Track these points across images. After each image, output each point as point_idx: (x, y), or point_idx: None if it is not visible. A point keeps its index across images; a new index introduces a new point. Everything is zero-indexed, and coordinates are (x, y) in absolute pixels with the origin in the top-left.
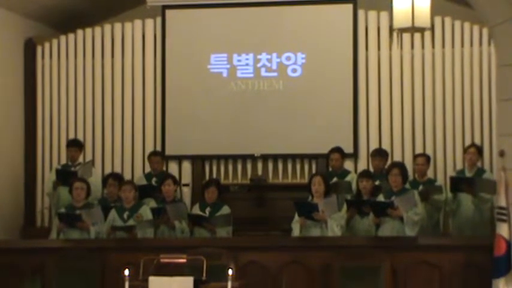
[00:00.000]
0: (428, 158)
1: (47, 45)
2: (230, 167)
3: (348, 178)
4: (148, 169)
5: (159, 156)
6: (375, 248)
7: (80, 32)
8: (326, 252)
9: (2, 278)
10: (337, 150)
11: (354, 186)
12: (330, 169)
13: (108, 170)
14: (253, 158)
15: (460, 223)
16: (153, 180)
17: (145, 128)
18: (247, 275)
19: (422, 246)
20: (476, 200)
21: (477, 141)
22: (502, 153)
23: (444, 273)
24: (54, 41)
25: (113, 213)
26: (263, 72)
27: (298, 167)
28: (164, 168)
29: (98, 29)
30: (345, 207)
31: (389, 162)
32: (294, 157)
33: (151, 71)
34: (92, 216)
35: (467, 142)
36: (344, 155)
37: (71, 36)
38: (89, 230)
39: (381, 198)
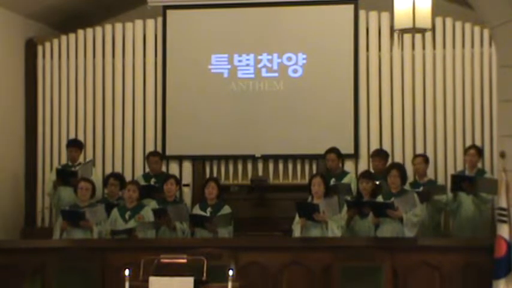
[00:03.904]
0: (426, 158)
1: (47, 45)
2: (231, 168)
3: (346, 179)
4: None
5: (157, 156)
6: (376, 248)
7: (80, 32)
8: (326, 252)
9: (3, 278)
10: (333, 150)
11: (353, 187)
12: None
13: (108, 170)
14: (253, 158)
15: (460, 224)
16: (152, 181)
17: (146, 128)
18: (247, 276)
19: (423, 247)
20: (477, 200)
21: (478, 142)
22: (503, 154)
23: (444, 274)
24: (55, 41)
25: (114, 213)
26: (264, 73)
27: (298, 167)
28: (164, 169)
29: (98, 29)
30: (345, 208)
31: (389, 162)
32: (294, 158)
33: (152, 71)
34: (95, 215)
35: (468, 143)
36: (340, 156)
37: (72, 36)
38: (92, 230)
39: (380, 199)
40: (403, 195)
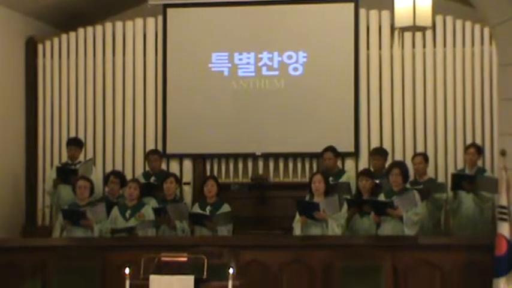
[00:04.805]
0: (426, 157)
1: (48, 43)
2: (231, 166)
3: (344, 177)
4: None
5: (157, 154)
6: (376, 247)
7: (81, 30)
8: (327, 251)
9: (3, 276)
10: (330, 149)
11: (352, 185)
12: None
13: (109, 169)
14: (254, 156)
15: (460, 222)
16: (152, 179)
17: (146, 126)
18: (248, 274)
19: (423, 246)
20: (477, 198)
21: (478, 140)
22: (503, 153)
23: (445, 273)
24: (55, 40)
25: (114, 212)
26: (264, 71)
27: (299, 165)
28: (165, 167)
29: (99, 28)
30: (345, 206)
31: (389, 161)
32: (295, 156)
33: (153, 69)
34: (96, 214)
35: (469, 141)
36: (337, 154)
37: (72, 34)
38: (93, 228)
39: (382, 197)
40: (404, 194)
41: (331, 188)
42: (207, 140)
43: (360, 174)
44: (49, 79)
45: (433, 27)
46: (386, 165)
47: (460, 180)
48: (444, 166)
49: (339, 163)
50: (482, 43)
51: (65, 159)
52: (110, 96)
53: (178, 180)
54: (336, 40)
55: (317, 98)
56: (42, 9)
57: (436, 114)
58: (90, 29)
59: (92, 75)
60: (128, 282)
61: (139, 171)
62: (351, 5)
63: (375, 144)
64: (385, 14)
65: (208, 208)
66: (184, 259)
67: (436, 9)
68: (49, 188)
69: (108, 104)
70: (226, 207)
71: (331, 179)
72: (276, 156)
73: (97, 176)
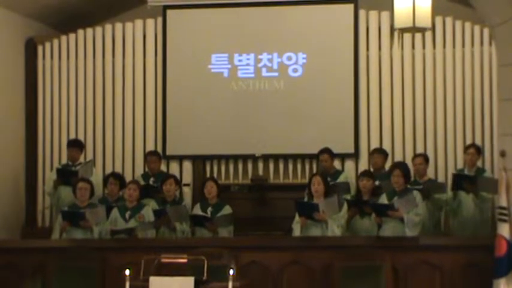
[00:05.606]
0: (426, 158)
1: (47, 45)
2: (231, 167)
3: (341, 178)
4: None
5: (155, 156)
6: (376, 247)
7: (80, 32)
8: (327, 252)
9: (3, 277)
10: (326, 151)
11: (350, 184)
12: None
13: (108, 170)
14: (254, 158)
15: (460, 222)
16: (151, 180)
17: (146, 128)
18: (248, 275)
19: (423, 246)
20: (477, 199)
21: (478, 141)
22: (503, 154)
23: (445, 273)
24: (55, 41)
25: (114, 213)
26: (264, 72)
27: (299, 167)
28: (164, 169)
29: (98, 29)
30: (345, 207)
31: (389, 161)
32: (295, 157)
33: (152, 71)
34: (95, 215)
35: (469, 141)
36: (333, 156)
37: (72, 36)
38: (92, 230)
39: (383, 198)
40: (405, 195)
41: (330, 189)
42: (207, 141)
43: (361, 175)
44: (49, 80)
45: (433, 28)
46: (387, 165)
47: (461, 181)
48: (444, 166)
49: (339, 164)
50: (482, 44)
51: (65, 160)
52: (109, 97)
53: (178, 182)
54: (336, 41)
55: (317, 99)
56: (42, 11)
57: (436, 115)
58: (89, 30)
59: (91, 77)
60: (127, 284)
61: (139, 172)
62: (351, 6)
63: (374, 145)
64: (385, 15)
65: (209, 209)
66: (184, 260)
67: (436, 10)
68: (49, 189)
69: (108, 106)
70: (227, 209)
71: (328, 179)
72: (276, 157)
73: (97, 177)
